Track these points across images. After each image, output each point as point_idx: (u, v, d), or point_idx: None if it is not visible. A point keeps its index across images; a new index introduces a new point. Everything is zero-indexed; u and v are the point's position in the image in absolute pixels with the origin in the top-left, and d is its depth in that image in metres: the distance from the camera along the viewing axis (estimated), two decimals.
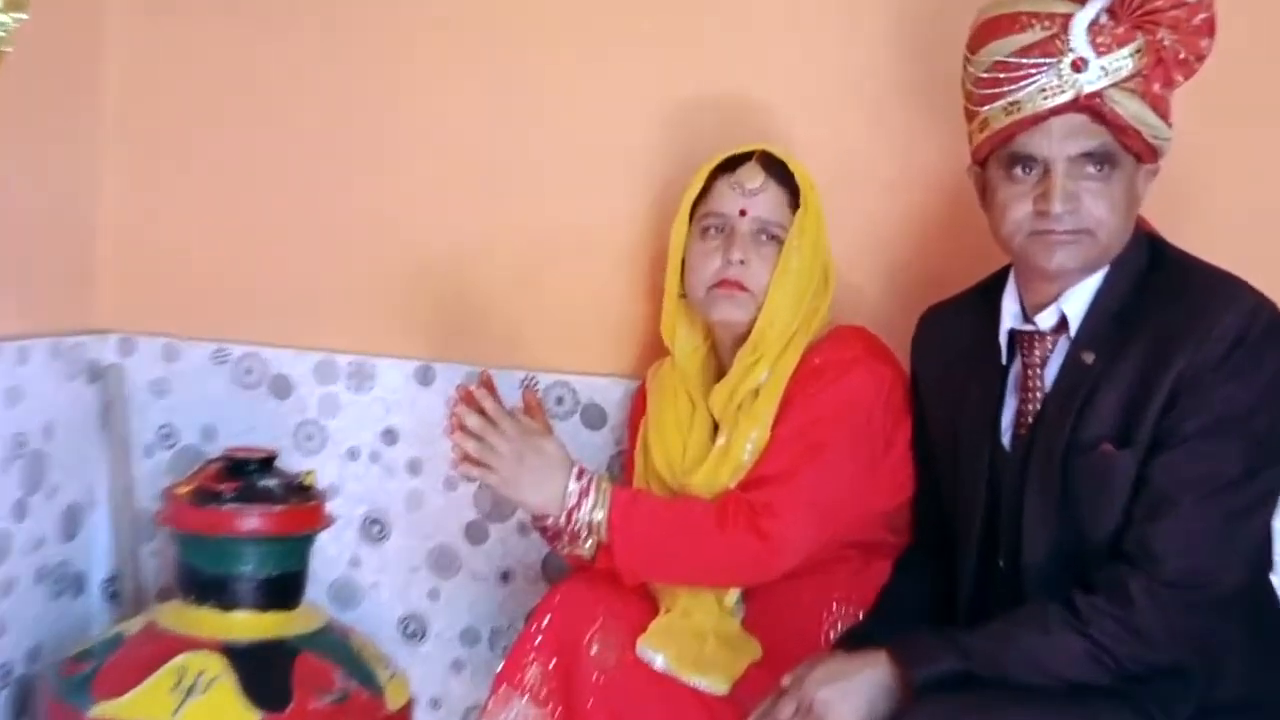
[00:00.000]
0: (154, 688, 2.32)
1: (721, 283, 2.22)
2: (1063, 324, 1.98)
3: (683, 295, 2.31)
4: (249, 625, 2.43)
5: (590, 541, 2.12)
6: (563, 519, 2.09)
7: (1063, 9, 1.91)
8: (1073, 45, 1.89)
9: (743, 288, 2.22)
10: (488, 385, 2.14)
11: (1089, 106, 1.89)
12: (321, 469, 2.65)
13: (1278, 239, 2.29)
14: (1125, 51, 1.90)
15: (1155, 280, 1.96)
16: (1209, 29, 1.92)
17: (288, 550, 2.49)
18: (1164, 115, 1.94)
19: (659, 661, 2.09)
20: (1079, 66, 1.89)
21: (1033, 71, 1.91)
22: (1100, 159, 1.91)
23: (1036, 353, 2.00)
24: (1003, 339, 2.05)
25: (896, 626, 2.01)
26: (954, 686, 1.84)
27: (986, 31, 1.97)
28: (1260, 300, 1.88)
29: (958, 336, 2.14)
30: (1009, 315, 2.05)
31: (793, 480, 2.10)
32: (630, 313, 2.61)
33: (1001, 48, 1.94)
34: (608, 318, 2.63)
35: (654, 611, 2.16)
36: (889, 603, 2.16)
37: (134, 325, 2.82)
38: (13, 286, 2.61)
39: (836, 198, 2.33)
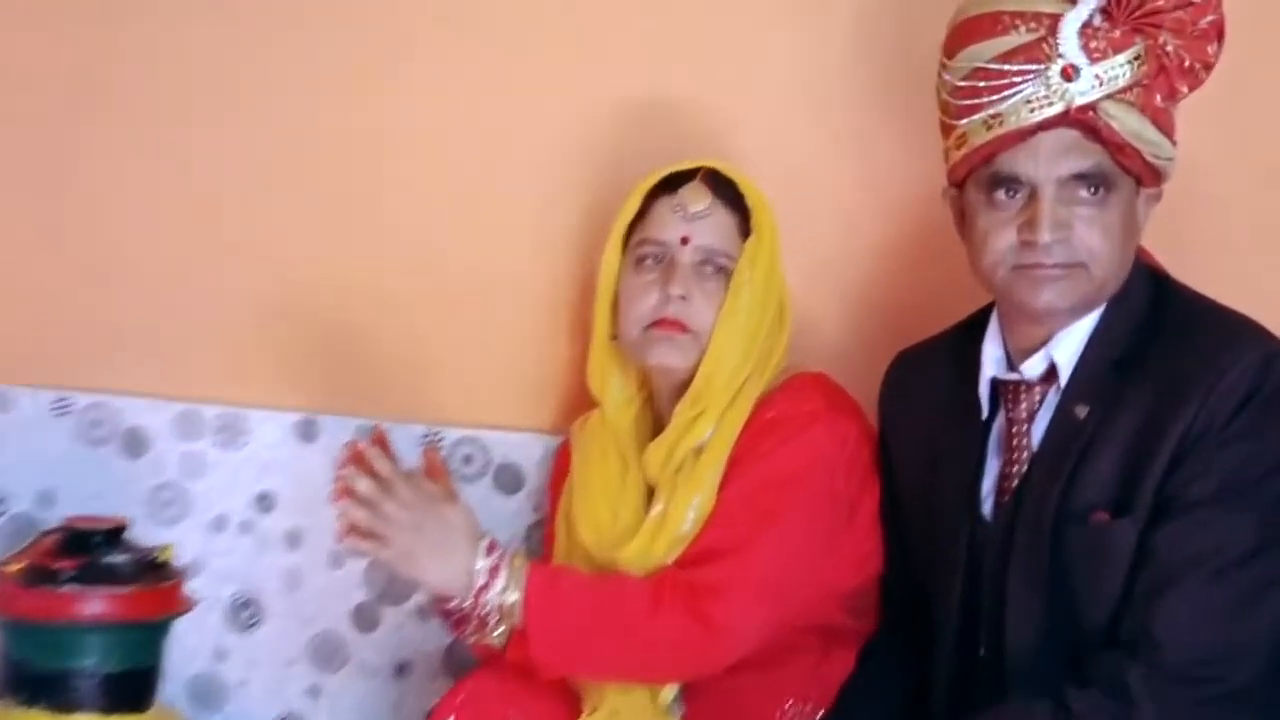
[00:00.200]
0: None
1: (659, 322, 2.26)
2: (1052, 373, 2.04)
3: (614, 337, 2.35)
4: None
5: (502, 628, 2.14)
6: (469, 601, 2.10)
7: (1051, 8, 1.97)
8: (1062, 50, 1.95)
9: (684, 328, 2.25)
10: (381, 443, 2.16)
11: (1081, 120, 1.95)
12: (181, 542, 2.65)
13: None
14: (1122, 58, 1.96)
15: (1158, 323, 2.02)
16: (1217, 33, 1.98)
17: (138, 640, 2.48)
18: (1167, 131, 2.00)
19: None
20: (1070, 75, 1.95)
21: (1017, 80, 1.96)
22: (1094, 181, 1.97)
23: (1022, 406, 2.06)
24: (983, 390, 2.11)
25: None
26: None
27: (964, 33, 2.03)
28: (1277, 347, 1.94)
29: (932, 387, 2.19)
30: (991, 362, 2.11)
31: (741, 555, 2.13)
32: (552, 357, 2.64)
33: (981, 52, 1.99)
34: (525, 363, 2.66)
35: (576, 712, 2.18)
36: (852, 700, 2.19)
37: None
38: None
39: (793, 223, 2.37)
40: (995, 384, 2.11)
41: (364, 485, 2.07)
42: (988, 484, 2.08)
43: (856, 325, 2.56)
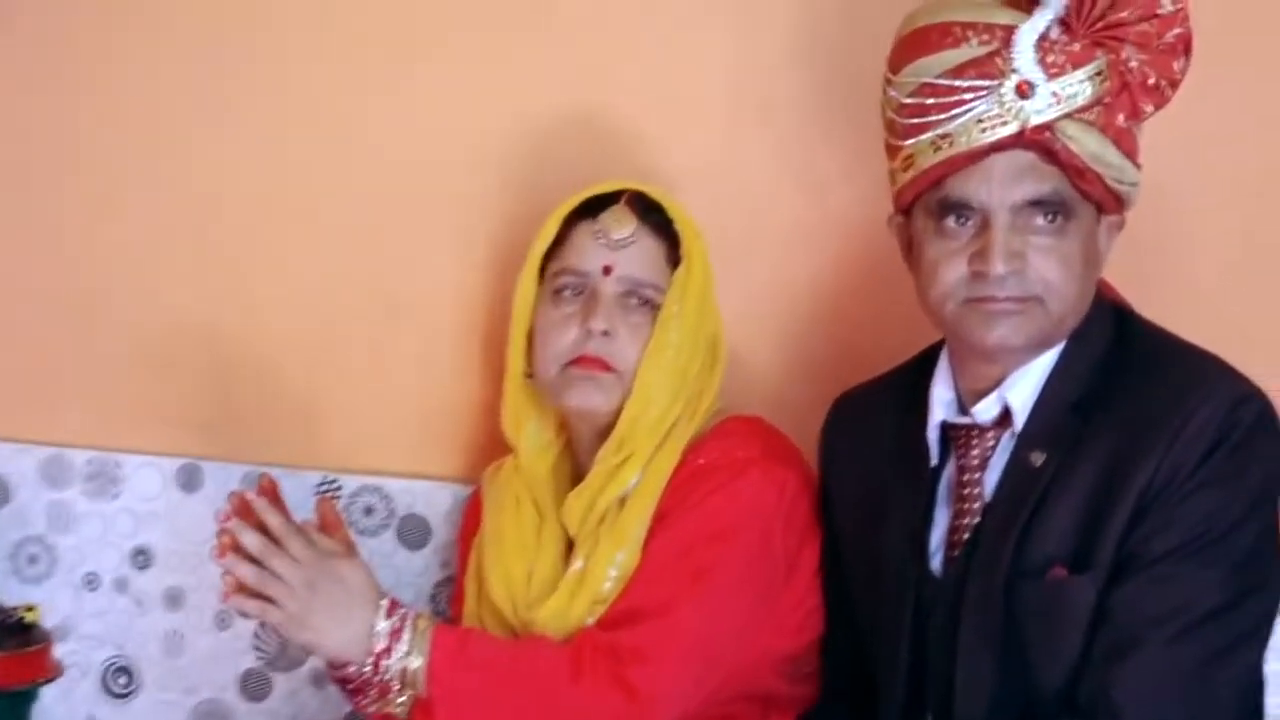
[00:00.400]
0: None
1: (579, 360, 2.27)
2: (1006, 417, 2.07)
3: (529, 375, 2.36)
4: None
5: (405, 696, 2.14)
6: (369, 667, 2.11)
7: (1005, 20, 2.00)
8: (1017, 65, 1.98)
9: (606, 367, 2.27)
10: (270, 492, 2.18)
11: (1037, 142, 1.99)
12: (48, 601, 2.66)
13: (1271, 309, 2.44)
14: (1082, 74, 1.99)
15: (1121, 362, 2.05)
16: (1185, 47, 2.02)
17: (1, 710, 2.48)
18: (1130, 154, 2.04)
19: None
20: (1025, 91, 1.98)
21: (968, 97, 2.00)
22: (1052, 208, 2.00)
23: (974, 452, 2.09)
24: (932, 435, 2.14)
25: None
26: None
27: (911, 46, 2.06)
28: (1247, 389, 1.98)
29: (877, 432, 2.23)
30: (940, 405, 2.14)
31: (668, 616, 2.13)
32: (461, 397, 2.66)
33: (930, 66, 2.02)
34: (431, 403, 2.68)
35: None
36: None
37: None
38: None
39: (727, 252, 2.40)
40: (945, 428, 2.14)
41: (251, 539, 2.08)
42: (937, 537, 2.11)
43: (796, 364, 2.59)
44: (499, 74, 2.64)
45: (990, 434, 2.08)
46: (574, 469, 2.39)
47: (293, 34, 2.70)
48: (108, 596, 2.75)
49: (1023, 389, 2.06)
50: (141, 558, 2.75)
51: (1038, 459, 2.02)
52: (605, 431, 2.29)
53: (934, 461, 2.14)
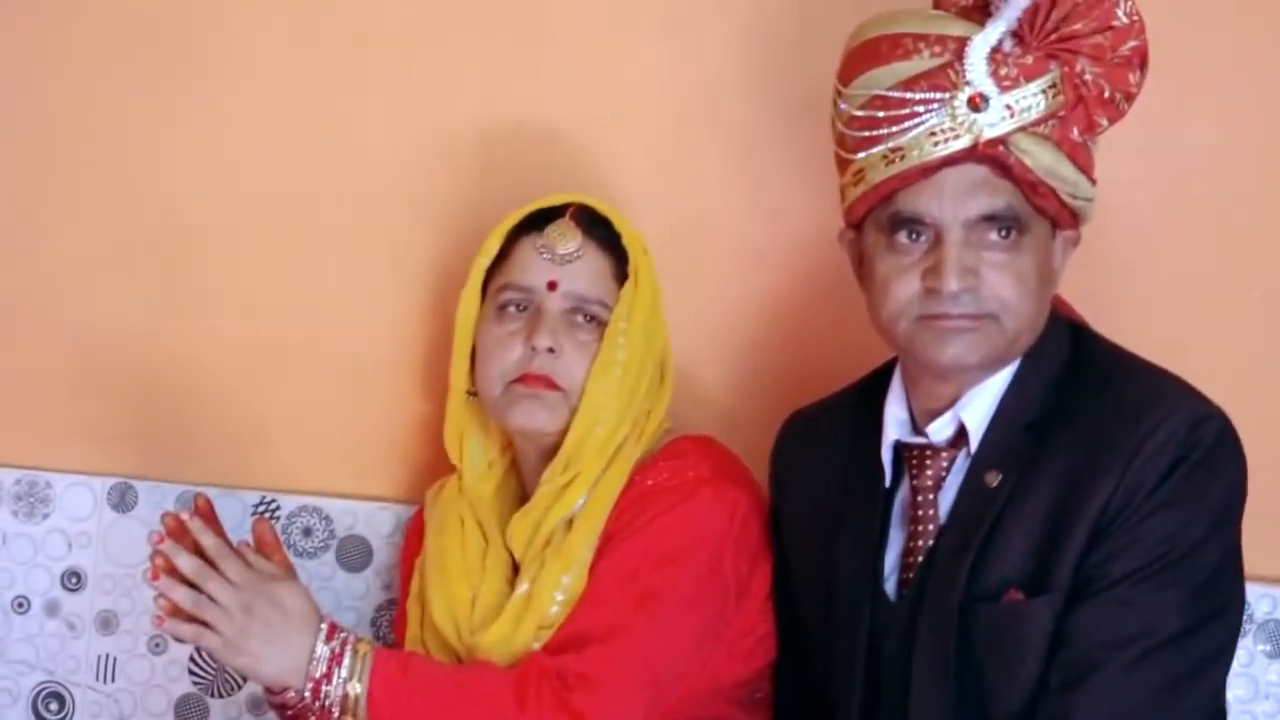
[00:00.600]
0: None
1: (524, 378, 2.26)
2: (961, 436, 2.06)
3: (473, 394, 2.35)
4: None
5: None
6: (308, 693, 2.09)
7: (957, 31, 2.00)
8: (970, 77, 1.97)
9: (552, 385, 2.25)
10: (205, 513, 2.15)
11: (990, 156, 1.98)
12: None
13: (1230, 327, 2.44)
14: (1035, 87, 1.98)
15: (1077, 380, 2.05)
16: (1140, 60, 2.01)
17: None
18: (1085, 169, 2.03)
19: None
20: (977, 104, 1.97)
21: (920, 110, 1.99)
22: (1005, 223, 2.00)
23: (928, 473, 2.08)
24: (886, 455, 2.13)
25: None
26: None
27: (862, 57, 2.05)
28: (1206, 408, 1.97)
29: (829, 452, 2.21)
30: (894, 425, 2.13)
31: (616, 641, 2.12)
32: (403, 416, 2.64)
33: (881, 78, 2.01)
34: (372, 422, 2.66)
35: None
36: None
37: None
38: None
39: (675, 267, 2.39)
40: (899, 448, 2.13)
41: (186, 562, 2.06)
42: (891, 559, 2.10)
43: (746, 383, 2.58)
44: (441, 89, 2.63)
45: (945, 454, 2.08)
46: (519, 490, 2.38)
47: (232, 46, 2.68)
48: (38, 620, 2.72)
49: (977, 408, 2.05)
50: (73, 580, 2.71)
51: (993, 479, 2.01)
52: (551, 451, 2.28)
53: (888, 482, 2.13)
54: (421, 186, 2.63)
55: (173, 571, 2.06)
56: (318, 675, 2.08)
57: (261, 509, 2.63)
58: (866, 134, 2.02)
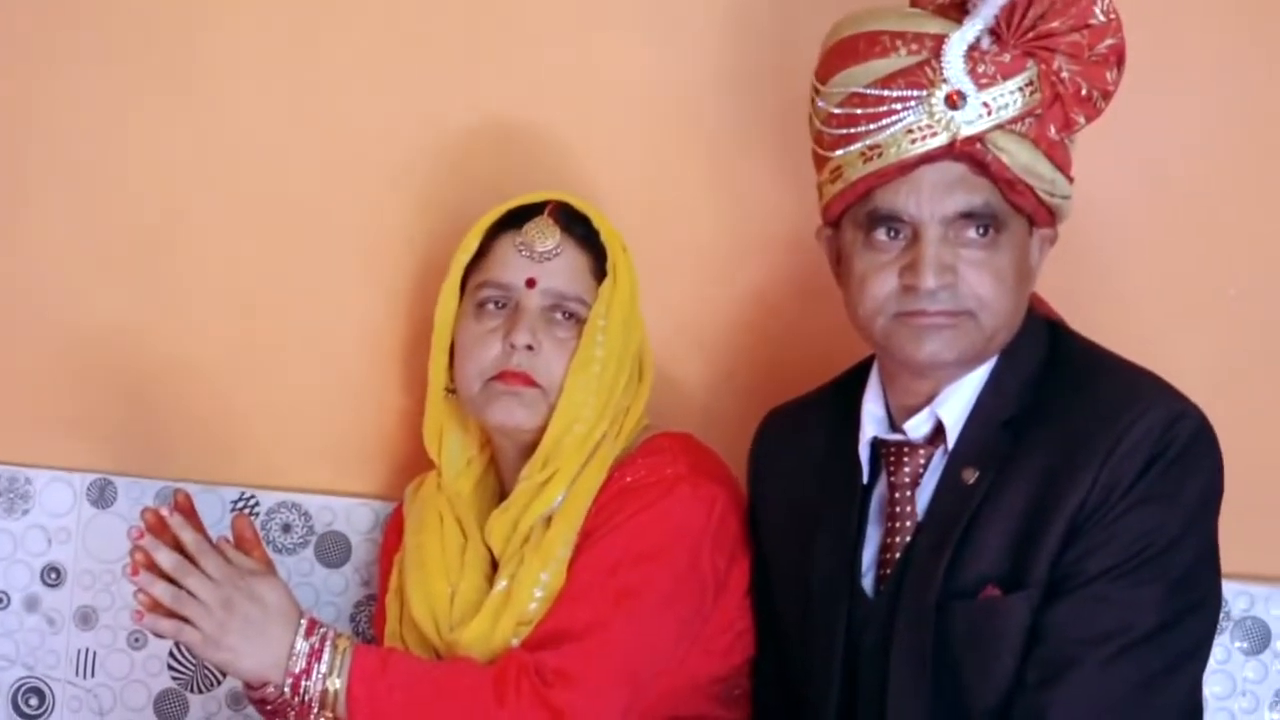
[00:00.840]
0: None
1: (502, 375, 2.25)
2: (938, 433, 2.06)
3: (451, 390, 2.34)
4: None
5: (325, 718, 2.11)
6: (288, 688, 2.08)
7: (935, 29, 2.00)
8: (947, 75, 1.97)
9: (531, 382, 2.25)
10: (185, 509, 2.14)
11: (968, 153, 1.98)
12: None
13: (1206, 325, 2.45)
14: (1013, 84, 1.98)
15: (1054, 377, 2.05)
16: (1117, 59, 2.01)
17: None
18: (1063, 167, 2.03)
19: None
20: (955, 102, 1.97)
21: (897, 107, 1.99)
22: (983, 221, 2.00)
23: (906, 470, 2.08)
24: (863, 452, 2.13)
25: None
26: None
27: (840, 55, 2.04)
28: (1182, 405, 1.97)
29: (807, 449, 2.21)
30: (871, 422, 2.13)
31: (595, 637, 2.12)
32: (382, 412, 2.64)
33: (858, 76, 2.01)
34: (351, 418, 2.66)
35: None
36: None
37: None
38: None
39: (653, 265, 2.39)
40: (876, 445, 2.12)
41: (165, 557, 2.05)
42: (868, 556, 2.10)
43: (724, 380, 2.58)
44: (422, 88, 2.63)
45: (922, 451, 2.07)
46: (498, 486, 2.37)
47: (215, 46, 2.67)
48: (17, 615, 2.71)
49: (954, 405, 2.05)
50: (53, 575, 2.71)
51: (970, 476, 2.01)
52: (529, 448, 2.27)
53: (865, 479, 2.12)
54: (402, 185, 2.63)
55: (152, 567, 2.05)
56: (297, 670, 2.07)
57: (241, 505, 2.62)
58: (844, 131, 2.02)
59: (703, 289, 2.57)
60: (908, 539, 2.05)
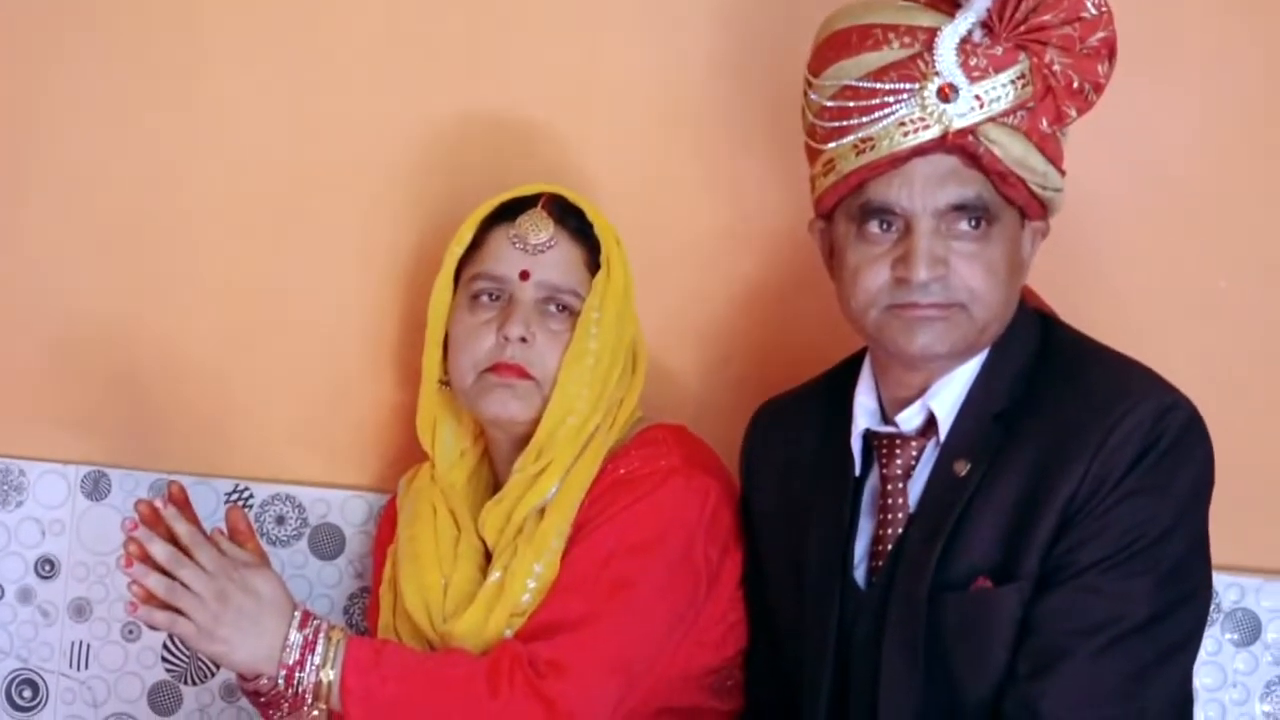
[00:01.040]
0: None
1: (496, 367, 2.25)
2: (930, 425, 2.07)
3: (445, 383, 2.35)
4: None
5: (318, 710, 2.12)
6: (282, 680, 2.08)
7: (927, 22, 2.00)
8: (939, 68, 1.97)
9: (524, 374, 2.25)
10: (179, 500, 2.14)
11: (960, 146, 1.98)
12: None
13: (1197, 317, 2.45)
14: (1005, 77, 1.98)
15: (1046, 370, 2.05)
16: (1109, 51, 2.01)
17: None
18: (1054, 159, 2.03)
19: None
20: (947, 95, 1.97)
21: (890, 100, 1.99)
22: (975, 213, 2.00)
23: (898, 462, 2.08)
24: (856, 444, 2.13)
25: None
26: None
27: (832, 48, 2.05)
28: (1173, 397, 1.98)
29: (800, 441, 2.22)
30: (864, 414, 2.13)
31: (589, 628, 2.12)
32: (376, 404, 2.64)
33: (851, 69, 2.01)
34: (345, 410, 2.66)
35: None
36: None
37: None
38: None
39: (647, 257, 2.39)
40: (869, 437, 2.13)
41: (159, 549, 2.05)
42: (860, 548, 2.10)
43: (717, 372, 2.58)
44: (416, 80, 2.62)
45: (914, 443, 2.08)
46: (491, 478, 2.38)
47: (208, 37, 2.67)
48: (11, 607, 2.71)
49: (946, 397, 2.05)
50: (47, 567, 2.71)
51: (962, 468, 2.01)
52: (523, 440, 2.27)
53: (857, 471, 2.13)
54: (396, 177, 2.63)
55: (146, 559, 2.05)
56: (291, 662, 2.07)
57: (235, 497, 2.62)
58: (837, 124, 2.02)
59: (697, 281, 2.57)
60: (900, 531, 2.05)
